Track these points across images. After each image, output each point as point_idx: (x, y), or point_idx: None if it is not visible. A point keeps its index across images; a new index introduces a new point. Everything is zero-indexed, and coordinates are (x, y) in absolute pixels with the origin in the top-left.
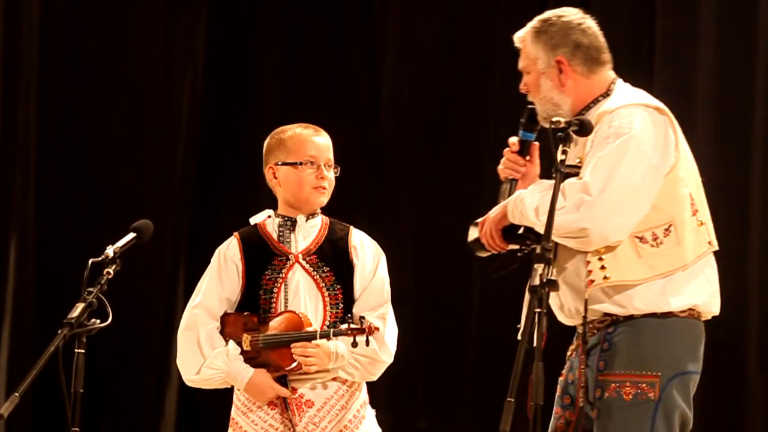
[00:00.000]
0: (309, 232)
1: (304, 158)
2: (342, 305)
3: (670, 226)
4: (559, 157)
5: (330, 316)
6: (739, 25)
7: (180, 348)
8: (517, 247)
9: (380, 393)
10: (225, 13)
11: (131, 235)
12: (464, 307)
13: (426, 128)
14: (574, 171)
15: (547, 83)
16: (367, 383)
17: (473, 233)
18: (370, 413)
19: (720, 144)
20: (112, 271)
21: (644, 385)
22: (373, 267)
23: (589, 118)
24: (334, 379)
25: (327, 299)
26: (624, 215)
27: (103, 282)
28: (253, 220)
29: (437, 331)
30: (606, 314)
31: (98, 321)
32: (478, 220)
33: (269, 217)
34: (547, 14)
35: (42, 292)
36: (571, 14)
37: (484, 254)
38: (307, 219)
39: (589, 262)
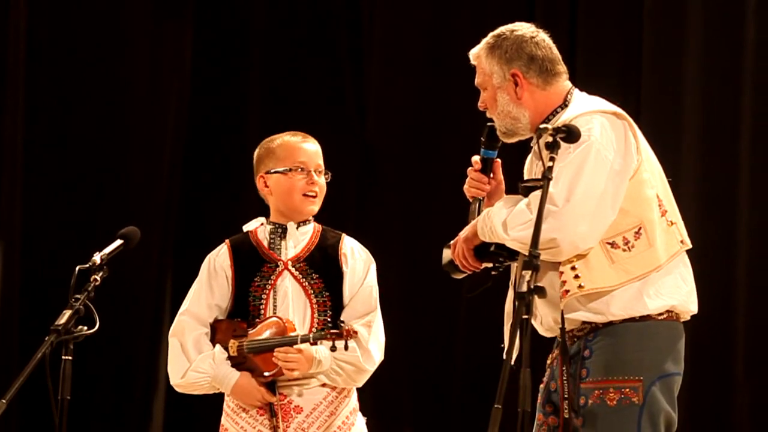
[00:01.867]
0: (300, 240)
1: (294, 164)
2: (330, 312)
3: (639, 228)
4: (547, 164)
5: (318, 323)
6: (726, 32)
7: (169, 354)
8: (490, 265)
9: (367, 400)
10: (211, 22)
11: (118, 242)
12: (451, 314)
13: (412, 135)
14: (538, 185)
15: (503, 97)
16: (356, 390)
17: (447, 255)
18: (360, 421)
19: (707, 148)
20: (99, 278)
21: (628, 390)
22: (363, 274)
23: None
24: (323, 385)
25: (315, 306)
26: (592, 222)
27: (90, 289)
28: (245, 228)
29: (424, 337)
30: (585, 322)
31: (85, 328)
32: (451, 242)
33: (262, 224)
34: (501, 29)
35: (28, 299)
36: (524, 28)
37: (459, 276)
38: (298, 226)
39: (562, 273)
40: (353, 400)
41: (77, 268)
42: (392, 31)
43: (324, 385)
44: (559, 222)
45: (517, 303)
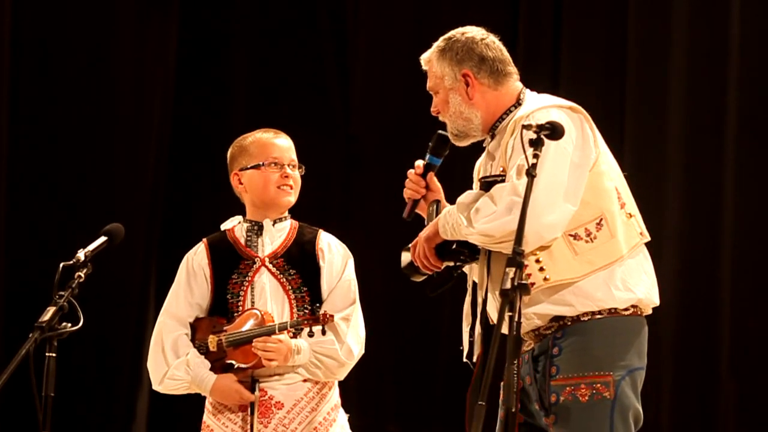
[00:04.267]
0: (276, 236)
1: (267, 159)
2: (309, 307)
3: (601, 220)
4: (531, 161)
5: (297, 318)
6: (711, 33)
7: (149, 356)
8: (452, 263)
9: (351, 396)
10: (196, 16)
11: (102, 239)
12: (435, 310)
13: (396, 130)
14: (498, 180)
15: (455, 98)
16: (339, 386)
17: (406, 258)
18: (342, 417)
19: (692, 142)
20: (83, 275)
21: (599, 385)
22: (341, 269)
23: (504, 126)
24: (304, 381)
25: (293, 301)
26: (556, 213)
27: (74, 285)
28: (223, 227)
29: (408, 334)
30: (553, 319)
31: (69, 325)
32: (410, 245)
33: (239, 223)
34: (451, 33)
35: (12, 296)
36: (475, 31)
37: (419, 278)
38: (275, 223)
39: (526, 266)
40: (335, 396)
41: (61, 265)
42: (377, 25)
43: (305, 380)
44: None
45: (501, 300)
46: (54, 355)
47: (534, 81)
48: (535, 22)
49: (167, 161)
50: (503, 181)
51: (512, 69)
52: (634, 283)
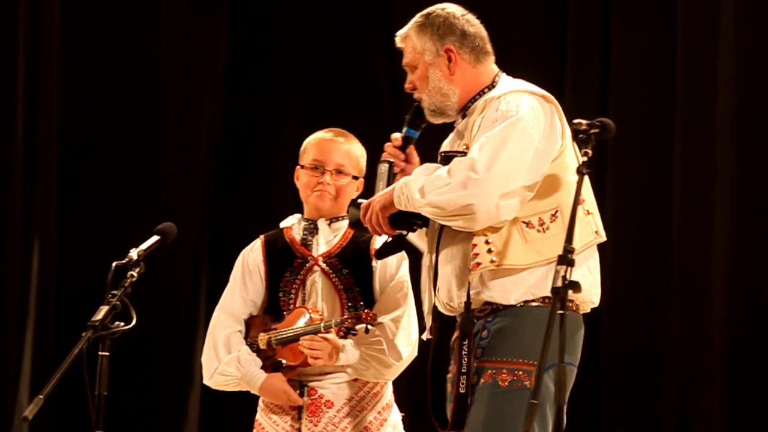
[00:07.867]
0: (331, 236)
1: (311, 162)
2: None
3: (556, 212)
4: (581, 159)
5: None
6: (759, 38)
7: (204, 350)
8: (404, 232)
9: (402, 394)
10: (246, 15)
11: (155, 238)
12: None
13: (446, 132)
14: (459, 155)
15: (435, 74)
16: (393, 385)
17: (355, 215)
18: (396, 415)
19: (742, 147)
20: (136, 274)
21: (521, 372)
22: (394, 270)
23: (476, 106)
24: (354, 380)
25: (345, 301)
26: (509, 195)
27: (127, 285)
28: (282, 225)
29: None
30: (486, 303)
31: (122, 324)
32: (359, 201)
33: (298, 221)
34: (430, 9)
35: (65, 295)
36: (455, 7)
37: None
38: (331, 222)
39: (475, 245)
40: (387, 395)
41: (114, 264)
42: None
43: (356, 379)
44: (478, 189)
45: (552, 298)
46: (107, 353)
47: (583, 89)
48: (585, 32)
49: (217, 159)
50: (464, 156)
51: (490, 49)
52: (575, 277)
